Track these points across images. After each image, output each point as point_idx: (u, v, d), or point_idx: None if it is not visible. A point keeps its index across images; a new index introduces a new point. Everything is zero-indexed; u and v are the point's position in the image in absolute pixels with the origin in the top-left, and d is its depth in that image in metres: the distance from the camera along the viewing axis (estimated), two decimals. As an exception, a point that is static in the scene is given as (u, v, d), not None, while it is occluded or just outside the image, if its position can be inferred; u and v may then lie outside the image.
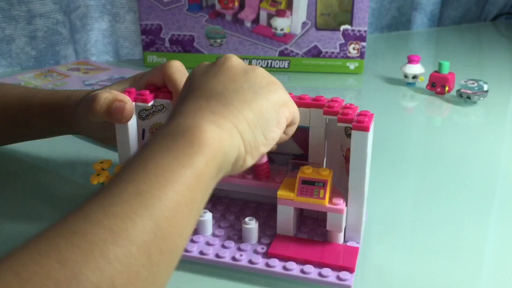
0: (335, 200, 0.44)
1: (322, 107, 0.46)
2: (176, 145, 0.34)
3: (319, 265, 0.43)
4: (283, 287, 0.43)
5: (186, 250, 0.45)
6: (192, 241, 0.46)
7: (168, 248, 0.31)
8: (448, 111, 0.84)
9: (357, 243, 0.46)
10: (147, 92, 0.50)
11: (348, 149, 0.44)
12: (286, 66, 1.00)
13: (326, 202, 0.44)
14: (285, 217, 0.46)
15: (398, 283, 0.44)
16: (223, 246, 0.46)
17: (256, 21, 0.98)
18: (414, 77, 0.91)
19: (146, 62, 1.03)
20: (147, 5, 0.98)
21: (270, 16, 0.98)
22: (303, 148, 0.50)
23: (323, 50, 0.99)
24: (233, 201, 0.53)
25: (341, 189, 0.46)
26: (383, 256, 0.47)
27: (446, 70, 0.86)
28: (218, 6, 0.97)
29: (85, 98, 0.52)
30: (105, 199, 0.30)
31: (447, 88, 0.86)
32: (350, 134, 0.44)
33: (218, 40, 1.00)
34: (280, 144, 0.47)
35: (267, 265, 0.44)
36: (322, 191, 0.44)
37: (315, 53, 0.99)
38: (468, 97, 0.83)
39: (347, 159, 0.46)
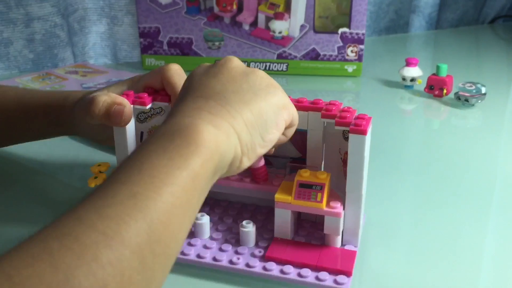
0: (332, 204, 0.44)
1: (320, 110, 0.46)
2: (172, 145, 0.34)
3: (316, 268, 0.43)
4: (280, 291, 0.43)
5: (183, 253, 0.45)
6: (189, 244, 0.46)
7: (163, 251, 0.30)
8: (446, 113, 0.84)
9: (355, 246, 0.46)
10: (145, 94, 0.50)
11: (346, 152, 0.44)
12: (284, 69, 1.00)
13: (323, 205, 0.44)
14: (283, 220, 0.46)
15: (395, 287, 0.44)
16: (221, 250, 0.46)
17: (254, 24, 0.98)
18: (412, 79, 0.91)
19: (144, 65, 1.03)
20: (145, 8, 0.98)
21: (268, 19, 0.98)
22: (301, 151, 0.50)
23: (321, 53, 0.99)
24: (231, 204, 0.52)
25: (339, 193, 0.46)
26: (380, 260, 0.47)
27: (444, 72, 0.86)
28: (216, 9, 0.97)
29: (83, 99, 0.52)
30: (99, 200, 0.30)
31: (445, 91, 0.86)
32: (348, 138, 0.44)
33: (216, 43, 1.00)
34: (278, 147, 0.47)
35: (265, 268, 0.44)
36: (319, 195, 0.44)
37: (313, 56, 0.99)
38: (466, 100, 0.83)
39: (345, 162, 0.46)
